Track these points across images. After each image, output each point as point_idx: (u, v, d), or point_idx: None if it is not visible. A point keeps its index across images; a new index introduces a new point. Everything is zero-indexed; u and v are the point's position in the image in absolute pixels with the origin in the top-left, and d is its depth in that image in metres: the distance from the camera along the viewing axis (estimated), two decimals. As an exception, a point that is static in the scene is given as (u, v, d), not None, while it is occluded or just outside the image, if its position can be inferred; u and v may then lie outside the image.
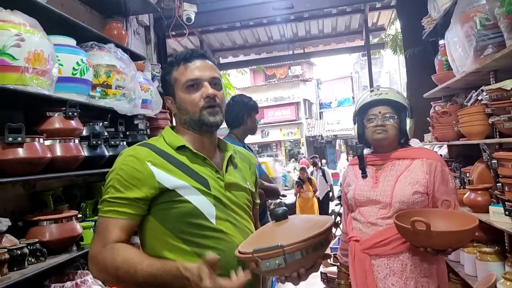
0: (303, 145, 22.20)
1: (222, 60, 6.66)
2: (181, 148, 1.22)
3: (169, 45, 4.85)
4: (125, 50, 2.70)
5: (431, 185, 1.57)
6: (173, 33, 4.20)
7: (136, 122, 2.80)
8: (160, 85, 1.31)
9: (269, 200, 3.63)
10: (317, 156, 9.57)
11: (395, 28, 8.06)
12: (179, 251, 1.12)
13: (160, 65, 3.14)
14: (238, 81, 16.07)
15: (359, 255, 1.60)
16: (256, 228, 1.34)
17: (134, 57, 2.90)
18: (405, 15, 4.56)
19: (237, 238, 1.17)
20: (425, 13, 3.11)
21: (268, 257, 0.97)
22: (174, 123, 1.32)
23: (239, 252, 1.05)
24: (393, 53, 6.99)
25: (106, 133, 2.29)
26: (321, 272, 4.00)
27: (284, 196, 7.82)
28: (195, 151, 1.22)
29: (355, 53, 10.15)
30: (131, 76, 2.43)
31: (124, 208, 1.12)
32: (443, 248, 1.34)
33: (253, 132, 2.70)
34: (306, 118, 22.91)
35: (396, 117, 1.65)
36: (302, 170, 7.94)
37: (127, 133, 2.56)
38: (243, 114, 2.56)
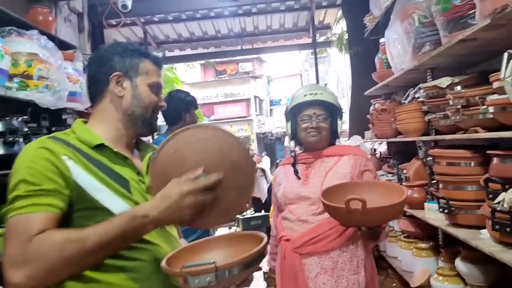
0: (253, 141, 22.25)
1: (168, 53, 6.43)
2: (99, 147, 1.06)
3: (109, 36, 4.56)
4: (52, 37, 2.46)
5: (355, 177, 1.63)
6: (113, 22, 3.94)
7: (64, 116, 2.57)
8: (108, 54, 1.12)
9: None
10: (262, 154, 8.98)
11: (341, 27, 8.27)
12: (96, 265, 0.96)
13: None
14: (187, 76, 15.71)
15: (289, 254, 1.58)
16: (178, 232, 1.25)
17: (64, 45, 2.66)
18: (350, 14, 4.64)
19: (162, 247, 1.05)
20: (368, 12, 3.15)
21: (198, 274, 0.88)
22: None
23: (167, 265, 0.95)
24: (339, 52, 7.12)
25: (26, 129, 2.06)
26: (263, 272, 3.96)
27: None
28: (115, 150, 1.09)
29: (302, 50, 10.29)
30: (57, 66, 2.20)
31: (46, 199, 0.93)
32: (378, 224, 1.33)
33: None
34: (257, 115, 22.97)
35: (329, 119, 1.69)
36: None
37: (53, 128, 2.33)
38: (180, 110, 2.46)
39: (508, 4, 1.16)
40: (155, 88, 1.14)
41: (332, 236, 1.54)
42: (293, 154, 1.80)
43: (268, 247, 1.89)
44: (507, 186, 1.21)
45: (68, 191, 0.97)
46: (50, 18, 2.59)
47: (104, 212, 0.99)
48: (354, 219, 1.27)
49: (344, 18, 5.33)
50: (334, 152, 1.70)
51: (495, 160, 1.36)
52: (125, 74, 1.11)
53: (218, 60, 21.19)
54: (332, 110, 1.71)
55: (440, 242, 2.05)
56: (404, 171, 2.35)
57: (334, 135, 1.74)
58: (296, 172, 1.70)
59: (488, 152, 1.38)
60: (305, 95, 1.69)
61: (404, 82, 2.55)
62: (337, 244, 1.54)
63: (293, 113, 1.75)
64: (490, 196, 1.27)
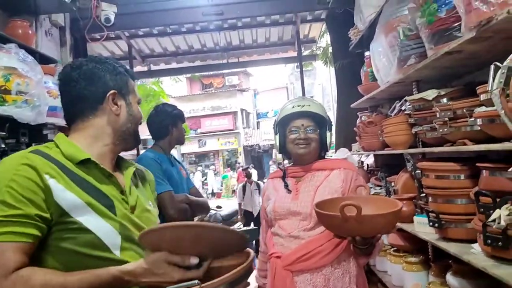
0: (240, 154, 22.20)
1: (153, 67, 6.40)
2: (84, 163, 1.02)
3: (93, 49, 4.51)
4: (32, 51, 2.40)
5: (346, 191, 1.60)
6: (97, 36, 3.89)
7: (45, 132, 2.49)
8: (99, 71, 1.10)
9: (199, 216, 3.47)
10: (250, 166, 8.89)
11: (326, 40, 8.36)
12: None
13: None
14: (173, 89, 15.66)
15: (280, 272, 1.53)
16: None
17: (45, 59, 2.60)
18: (334, 28, 4.69)
19: None
20: (353, 26, 3.17)
21: None
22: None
23: None
24: (324, 65, 7.19)
25: (3, 145, 1.98)
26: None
27: (219, 207, 7.63)
28: (102, 166, 1.04)
29: (288, 63, 10.37)
30: (37, 81, 2.14)
31: (24, 228, 0.89)
32: (372, 235, 1.30)
33: (180, 142, 2.54)
34: (244, 128, 23.00)
35: (318, 130, 1.67)
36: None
37: (32, 144, 2.25)
38: (167, 124, 2.40)
39: (493, 16, 1.16)
40: (138, 103, 1.18)
41: (324, 252, 1.50)
42: (281, 167, 1.77)
43: (257, 262, 1.84)
44: (498, 200, 1.19)
45: (48, 214, 0.92)
46: (30, 32, 2.53)
47: (86, 233, 0.95)
48: (349, 228, 1.24)
49: (328, 32, 5.40)
50: (324, 166, 1.67)
51: (484, 173, 1.34)
52: (119, 92, 1.11)
53: (204, 73, 21.22)
54: (320, 122, 1.69)
55: (430, 256, 2.03)
56: (392, 184, 2.34)
57: (323, 147, 1.71)
58: (286, 185, 1.66)
59: (478, 164, 1.36)
60: (293, 107, 1.67)
61: (389, 95, 2.56)
62: (329, 260, 1.50)
63: (282, 125, 1.72)
64: (481, 210, 1.25)
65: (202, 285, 0.85)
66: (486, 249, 1.27)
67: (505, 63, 1.13)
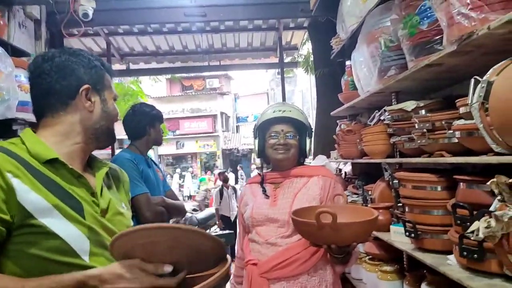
0: (219, 157, 22.10)
1: (132, 66, 6.28)
2: (51, 162, 0.95)
3: (70, 45, 4.37)
4: (4, 43, 2.30)
5: (324, 199, 1.59)
6: (75, 31, 3.78)
7: (15, 127, 2.38)
8: (73, 64, 1.03)
9: (174, 218, 3.41)
10: (227, 170, 8.79)
11: (307, 48, 8.45)
12: None
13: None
14: (153, 90, 15.45)
15: (256, 280, 1.51)
16: None
17: (17, 52, 2.49)
18: (316, 37, 4.73)
19: None
20: (334, 35, 3.20)
21: None
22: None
23: None
24: (305, 73, 7.24)
25: (-32, 141, 1.87)
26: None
27: (195, 210, 7.53)
28: (70, 166, 0.98)
29: (269, 69, 10.40)
30: (7, 74, 2.04)
31: None
32: (348, 243, 1.29)
33: (158, 143, 2.49)
34: (223, 131, 22.93)
35: (297, 136, 1.65)
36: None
37: (0, 139, 2.15)
38: (144, 124, 2.34)
39: (474, 31, 1.18)
40: (114, 99, 1.13)
41: (301, 260, 1.48)
42: (259, 172, 1.75)
43: (233, 268, 1.81)
44: (474, 212, 1.19)
45: (8, 216, 0.86)
46: (1, 22, 2.41)
47: (52, 238, 0.89)
48: (324, 236, 1.22)
49: (310, 40, 5.45)
50: (303, 173, 1.66)
51: (461, 185, 1.35)
52: (93, 88, 1.05)
53: (185, 75, 21.06)
54: (301, 128, 1.68)
55: (405, 265, 2.04)
56: (369, 192, 2.35)
57: (302, 153, 1.70)
58: (264, 191, 1.64)
59: (455, 177, 1.38)
60: (274, 112, 1.66)
61: (369, 104, 2.58)
62: (306, 268, 1.49)
63: (261, 129, 1.70)
64: (458, 222, 1.26)
65: None
66: (462, 261, 1.28)
67: (484, 78, 1.15)
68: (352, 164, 3.11)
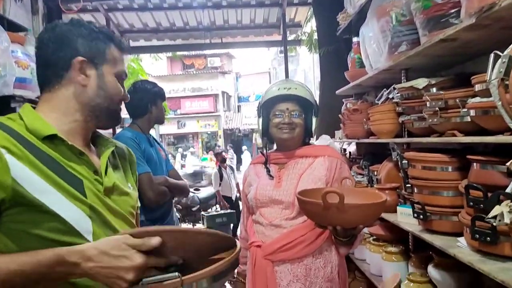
0: (220, 137, 22.08)
1: (132, 43, 6.17)
2: (50, 138, 0.91)
3: (68, 21, 4.28)
4: (-1, 17, 2.22)
5: (330, 180, 1.54)
6: (74, 6, 3.68)
7: (13, 105, 2.32)
8: (70, 35, 0.96)
9: (177, 199, 3.41)
10: (227, 148, 8.51)
11: (311, 26, 8.29)
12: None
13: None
14: (153, 68, 15.28)
15: (260, 261, 1.48)
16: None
17: (13, 27, 2.41)
18: (321, 13, 4.61)
19: None
20: (339, 11, 3.10)
21: None
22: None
23: None
24: (309, 51, 7.11)
25: (-36, 118, 1.83)
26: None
27: (197, 190, 7.54)
28: (70, 143, 0.93)
29: (272, 47, 10.20)
30: (3, 49, 1.97)
31: None
32: (354, 225, 1.25)
33: (160, 121, 2.44)
34: (224, 111, 22.82)
35: (303, 115, 1.59)
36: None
37: (-2, 118, 2.10)
38: (146, 102, 2.28)
39: (496, 2, 1.11)
40: (121, 78, 1.04)
41: (306, 242, 1.45)
42: (260, 151, 1.69)
43: None
44: (489, 194, 1.15)
45: (4, 193, 0.81)
46: (-4, -4, 2.33)
47: (53, 217, 0.85)
48: (330, 216, 1.18)
49: (314, 17, 5.32)
50: (308, 153, 1.61)
51: (475, 166, 1.30)
52: (90, 61, 0.97)
53: (186, 53, 20.84)
54: (306, 106, 1.61)
55: (410, 246, 2.01)
56: (375, 173, 2.30)
57: (307, 133, 1.65)
58: (268, 171, 1.59)
59: (469, 157, 1.32)
60: (278, 89, 1.59)
61: (376, 82, 2.51)
62: (311, 250, 1.46)
63: (266, 108, 1.63)
64: (471, 203, 1.21)
65: (183, 277, 0.78)
66: (473, 243, 1.24)
67: (506, 52, 1.08)
68: (357, 144, 3.06)
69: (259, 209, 1.56)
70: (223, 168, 6.83)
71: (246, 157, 16.91)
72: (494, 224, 0.93)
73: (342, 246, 1.44)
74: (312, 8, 5.06)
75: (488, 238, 1.15)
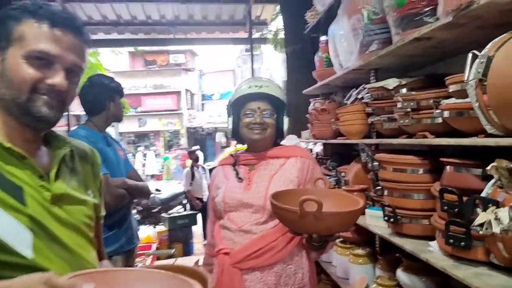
0: (183, 136, 21.68)
1: (91, 36, 5.87)
2: None
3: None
4: None
5: (302, 181, 1.48)
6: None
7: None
8: None
9: (136, 200, 3.21)
10: (198, 148, 7.98)
11: (276, 25, 8.30)
12: None
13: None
14: (113, 64, 14.73)
15: (228, 270, 1.39)
16: (100, 254, 0.98)
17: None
18: (288, 11, 4.59)
19: None
20: (307, 10, 3.06)
21: None
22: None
23: None
24: (274, 49, 7.08)
25: None
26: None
27: (158, 190, 7.29)
28: (7, 145, 0.79)
29: (238, 44, 10.14)
30: None
31: None
32: (331, 233, 1.20)
33: (118, 119, 2.28)
34: (188, 109, 22.45)
35: (275, 114, 1.51)
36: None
37: None
38: (103, 98, 2.12)
39: (474, 0, 1.07)
40: (39, 57, 0.81)
41: (276, 248, 1.37)
42: (226, 151, 1.60)
43: (203, 256, 1.68)
44: (464, 198, 1.12)
45: None
46: None
47: None
48: (306, 224, 1.11)
49: (281, 15, 5.29)
50: (280, 154, 1.53)
51: (448, 169, 1.27)
52: None
53: (148, 49, 20.28)
54: (278, 106, 1.53)
55: (377, 249, 1.99)
56: (343, 174, 2.27)
57: (279, 133, 1.57)
58: (237, 174, 1.50)
59: (442, 159, 1.29)
60: (249, 87, 1.50)
61: (344, 82, 2.48)
62: (282, 257, 1.38)
63: (236, 107, 1.54)
64: (445, 207, 1.18)
65: None
66: (446, 248, 1.21)
67: (483, 52, 1.05)
68: (324, 144, 3.03)
69: (227, 214, 1.47)
70: (195, 168, 6.52)
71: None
72: (481, 232, 0.89)
73: (314, 251, 1.38)
74: (279, 6, 5.03)
75: (463, 243, 1.12)
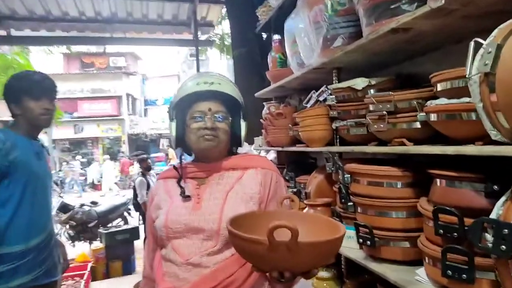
0: (124, 143, 20.62)
1: (15, 32, 5.23)
2: None
3: None
4: None
5: (265, 199, 1.20)
6: None
7: None
8: None
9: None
10: (143, 153, 6.90)
11: (222, 29, 8.07)
12: None
13: None
14: (45, 65, 13.60)
15: None
16: None
17: None
18: (235, 13, 4.41)
19: None
20: (253, 13, 2.85)
21: None
22: None
23: None
24: (220, 53, 6.83)
25: None
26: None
27: (95, 203, 6.65)
28: None
29: (182, 46, 9.71)
30: None
31: None
32: (306, 269, 0.89)
33: (39, 124, 1.95)
34: (129, 114, 21.43)
35: (230, 118, 1.23)
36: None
37: None
38: (8, 100, 1.87)
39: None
40: None
41: (235, 284, 1.08)
42: (174, 165, 1.29)
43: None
44: (465, 220, 0.91)
45: None
46: None
47: None
48: (277, 259, 0.81)
49: (227, 17, 5.05)
50: (236, 164, 1.24)
51: (439, 183, 1.07)
52: None
53: (85, 51, 19.11)
54: (233, 107, 1.25)
55: (343, 270, 1.77)
56: (302, 186, 2.04)
57: (235, 140, 1.28)
58: (183, 192, 1.19)
59: (432, 171, 1.08)
60: (197, 84, 1.19)
61: (300, 85, 2.27)
62: None
63: (181, 109, 1.23)
64: (440, 231, 0.97)
65: None
66: (440, 279, 1.00)
67: (489, 41, 0.85)
68: (278, 152, 2.79)
69: (171, 242, 1.14)
70: (148, 176, 5.79)
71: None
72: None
73: (280, 285, 1.10)
74: (225, 8, 4.80)
75: (464, 275, 0.92)
